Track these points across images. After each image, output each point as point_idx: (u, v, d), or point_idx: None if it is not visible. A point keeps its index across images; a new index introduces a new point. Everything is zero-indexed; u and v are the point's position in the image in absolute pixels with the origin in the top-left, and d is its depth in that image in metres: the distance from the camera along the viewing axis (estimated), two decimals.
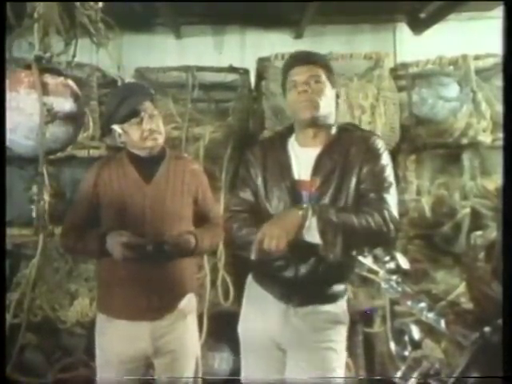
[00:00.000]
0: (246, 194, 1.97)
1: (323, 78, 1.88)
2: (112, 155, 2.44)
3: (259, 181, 1.94)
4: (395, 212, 1.80)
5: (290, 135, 1.99)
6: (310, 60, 1.91)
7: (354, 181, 1.84)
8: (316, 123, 1.87)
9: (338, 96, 1.96)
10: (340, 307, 1.96)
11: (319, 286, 1.90)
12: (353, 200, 1.83)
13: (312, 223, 1.67)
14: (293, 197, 1.86)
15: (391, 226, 1.74)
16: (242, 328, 2.07)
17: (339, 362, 1.94)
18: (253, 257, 1.68)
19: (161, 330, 2.15)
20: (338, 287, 1.94)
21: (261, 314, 1.97)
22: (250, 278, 2.09)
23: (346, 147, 1.87)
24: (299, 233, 1.67)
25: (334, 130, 1.94)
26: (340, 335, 1.95)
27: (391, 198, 1.81)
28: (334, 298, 1.94)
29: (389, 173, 1.86)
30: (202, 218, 2.29)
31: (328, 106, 1.88)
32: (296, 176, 1.89)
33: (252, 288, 2.05)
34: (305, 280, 1.86)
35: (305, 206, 1.74)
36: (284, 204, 1.87)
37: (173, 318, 2.17)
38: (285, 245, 1.64)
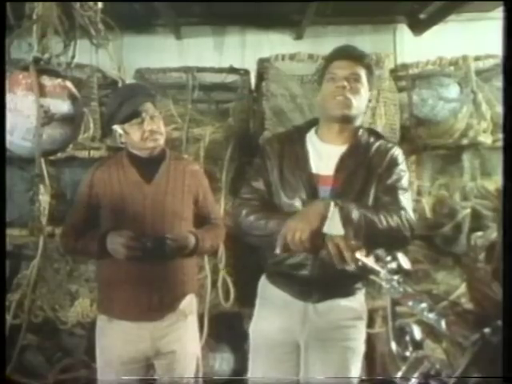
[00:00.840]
0: (259, 184, 1.95)
1: (363, 78, 1.88)
2: (112, 156, 2.44)
3: (275, 173, 1.93)
4: (411, 214, 1.83)
5: (309, 129, 2.01)
6: (355, 56, 1.90)
7: (373, 186, 1.87)
8: (343, 121, 1.88)
9: (369, 100, 1.97)
10: (359, 301, 1.98)
11: (337, 280, 1.88)
12: (372, 203, 1.86)
13: (335, 214, 1.65)
14: (309, 190, 1.86)
15: (407, 226, 1.77)
16: (255, 330, 2.05)
17: (356, 361, 1.95)
18: (278, 251, 1.67)
19: (161, 330, 2.15)
20: (356, 281, 1.95)
21: (278, 315, 1.96)
22: (263, 279, 2.08)
23: (370, 153, 1.91)
24: (322, 223, 1.64)
25: (359, 132, 1.95)
26: (359, 332, 1.97)
27: (406, 201, 1.85)
28: (352, 291, 1.95)
29: (405, 181, 1.90)
30: (202, 219, 2.30)
31: (361, 107, 1.90)
32: (314, 170, 1.89)
33: (267, 289, 2.04)
34: (322, 276, 1.86)
35: (325, 198, 1.74)
36: (299, 197, 1.87)
37: (173, 318, 2.18)
38: (307, 236, 1.61)
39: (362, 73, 1.88)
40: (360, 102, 1.88)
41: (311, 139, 1.97)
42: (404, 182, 1.89)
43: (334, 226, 1.66)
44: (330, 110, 1.87)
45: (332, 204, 1.66)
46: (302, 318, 1.92)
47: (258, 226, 1.83)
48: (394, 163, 1.90)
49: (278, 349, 1.96)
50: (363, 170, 1.87)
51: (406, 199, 1.85)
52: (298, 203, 1.86)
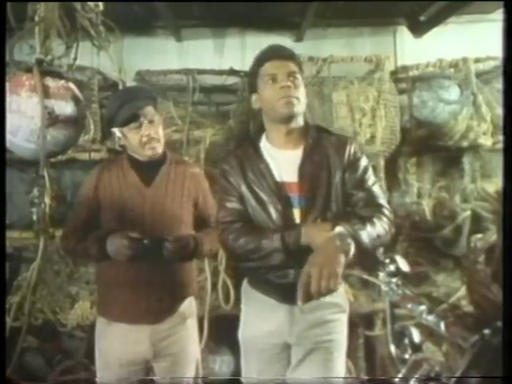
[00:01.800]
0: (233, 204, 1.91)
1: (299, 75, 1.88)
2: (113, 158, 2.43)
3: (243, 188, 1.90)
4: (387, 205, 1.86)
5: (260, 138, 1.98)
6: (287, 55, 1.91)
7: (339, 184, 1.86)
8: (291, 121, 1.87)
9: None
10: (341, 295, 1.97)
11: None
12: (342, 203, 1.86)
13: (352, 247, 1.63)
14: (282, 199, 1.85)
15: (392, 221, 1.81)
16: (244, 334, 2.04)
17: (341, 354, 1.95)
18: (300, 303, 1.55)
19: (160, 333, 2.15)
20: None
21: (264, 318, 1.95)
22: (245, 285, 2.05)
23: (325, 151, 1.89)
24: (344, 261, 1.58)
25: (309, 132, 1.93)
26: (342, 325, 1.96)
27: (381, 194, 1.89)
28: None
29: (371, 172, 1.91)
30: (202, 223, 2.29)
31: (303, 104, 1.89)
32: (278, 178, 1.87)
33: (250, 294, 2.02)
34: None
35: (337, 231, 1.67)
36: (274, 208, 1.85)
37: (173, 321, 2.17)
38: (337, 281, 1.54)
39: (297, 69, 1.88)
40: (303, 99, 1.87)
41: (265, 147, 1.94)
42: (371, 173, 1.90)
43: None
44: (277, 110, 1.85)
45: (349, 239, 1.63)
46: (290, 319, 1.90)
47: (252, 249, 1.81)
48: (355, 155, 1.89)
49: (268, 351, 1.95)
50: (325, 170, 1.85)
51: (378, 190, 1.88)
52: (273, 215, 1.85)
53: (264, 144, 1.96)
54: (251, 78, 1.96)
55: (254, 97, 1.94)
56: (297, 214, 1.84)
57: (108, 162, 2.36)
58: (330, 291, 1.54)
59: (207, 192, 2.32)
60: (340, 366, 1.94)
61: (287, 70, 1.85)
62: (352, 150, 1.90)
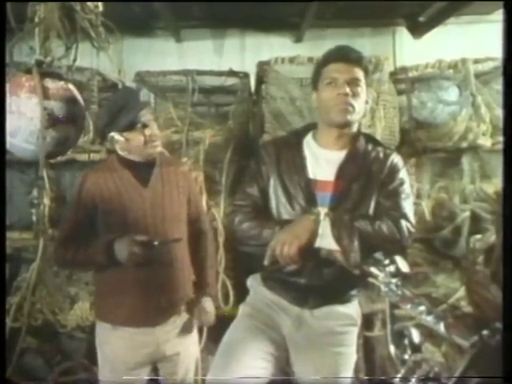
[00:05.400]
0: (253, 190, 1.93)
1: (362, 81, 1.84)
2: (99, 161, 2.42)
3: (272, 179, 1.90)
4: (412, 220, 1.83)
5: (307, 134, 1.97)
6: (352, 59, 1.85)
7: (375, 193, 1.85)
8: (344, 127, 1.86)
9: (367, 102, 1.91)
10: (354, 308, 1.96)
11: (334, 287, 1.88)
12: (372, 211, 1.85)
13: (325, 229, 1.67)
14: (307, 196, 1.84)
15: (406, 235, 1.77)
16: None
17: (348, 368, 1.93)
18: (266, 262, 1.69)
19: (167, 334, 2.15)
20: (352, 288, 1.94)
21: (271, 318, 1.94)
22: (252, 281, 2.05)
23: (369, 160, 1.89)
24: (312, 239, 1.67)
25: (358, 138, 1.93)
26: (352, 339, 1.95)
27: (408, 207, 1.84)
28: (349, 298, 1.95)
29: (407, 186, 1.89)
30: (195, 219, 2.31)
31: (361, 111, 1.87)
32: (311, 175, 1.87)
33: (261, 293, 1.99)
34: (319, 283, 1.85)
35: (316, 210, 1.74)
36: (298, 203, 1.84)
37: (177, 321, 2.17)
38: (296, 250, 1.63)
39: (361, 76, 1.84)
40: (360, 107, 1.85)
41: (308, 144, 1.94)
42: (406, 188, 1.87)
43: (325, 241, 1.68)
44: (331, 115, 1.83)
45: (322, 218, 1.68)
46: (298, 322, 1.90)
47: (252, 235, 1.83)
48: (394, 169, 1.88)
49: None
50: (363, 177, 1.85)
51: (407, 205, 1.84)
52: (297, 209, 1.85)
53: (308, 140, 1.95)
54: (314, 76, 1.94)
55: (314, 95, 1.93)
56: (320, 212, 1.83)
57: (96, 166, 2.36)
58: (288, 258, 1.66)
59: (196, 189, 2.36)
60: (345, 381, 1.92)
61: (349, 76, 1.81)
62: (393, 163, 1.89)
